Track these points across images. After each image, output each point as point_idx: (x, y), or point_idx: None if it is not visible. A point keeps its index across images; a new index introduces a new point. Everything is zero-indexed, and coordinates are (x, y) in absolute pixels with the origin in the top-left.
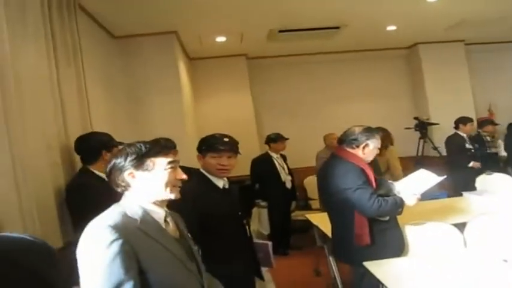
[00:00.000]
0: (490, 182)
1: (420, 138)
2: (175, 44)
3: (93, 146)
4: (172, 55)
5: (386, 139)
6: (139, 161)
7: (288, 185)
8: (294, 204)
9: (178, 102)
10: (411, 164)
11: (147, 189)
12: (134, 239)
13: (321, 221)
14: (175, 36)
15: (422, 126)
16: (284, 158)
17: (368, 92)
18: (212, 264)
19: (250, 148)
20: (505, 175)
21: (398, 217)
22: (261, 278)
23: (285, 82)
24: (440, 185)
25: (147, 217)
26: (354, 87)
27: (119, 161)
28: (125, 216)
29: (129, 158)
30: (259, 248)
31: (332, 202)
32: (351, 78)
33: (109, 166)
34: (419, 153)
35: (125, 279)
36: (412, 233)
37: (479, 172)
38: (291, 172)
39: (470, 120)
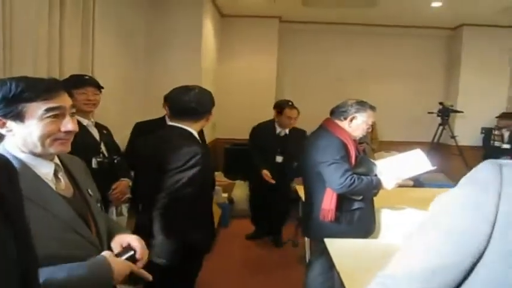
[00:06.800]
0: None
1: (440, 125)
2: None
3: None
4: (199, 10)
5: None
6: (8, 106)
7: None
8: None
9: (197, 59)
10: (425, 150)
11: (22, 142)
12: None
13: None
14: None
15: (445, 113)
16: None
17: (398, 71)
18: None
19: (266, 113)
20: None
21: (381, 199)
22: None
23: (314, 51)
24: None
25: (26, 173)
26: (385, 64)
27: None
28: None
29: None
30: None
31: (308, 174)
32: (383, 54)
33: None
34: (436, 140)
35: None
36: (387, 217)
37: None
38: None
39: None
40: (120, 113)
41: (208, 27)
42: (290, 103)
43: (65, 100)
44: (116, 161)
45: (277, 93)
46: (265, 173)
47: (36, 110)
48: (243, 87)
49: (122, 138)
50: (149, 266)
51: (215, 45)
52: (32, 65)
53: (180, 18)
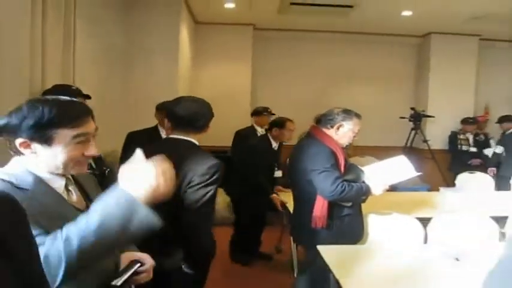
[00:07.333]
0: (470, 180)
1: (412, 129)
2: (182, 5)
3: None
4: (176, 17)
5: None
6: (38, 131)
7: None
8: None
9: (174, 66)
10: (398, 153)
11: (45, 163)
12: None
13: (291, 200)
14: None
15: (417, 118)
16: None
17: (370, 77)
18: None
19: (241, 120)
20: (485, 175)
21: (365, 205)
22: None
23: (288, 58)
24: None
25: (40, 186)
26: (358, 70)
27: (14, 121)
28: (11, 188)
29: (25, 123)
30: None
31: (298, 182)
32: (356, 60)
33: (0, 123)
34: (409, 144)
35: None
36: (374, 222)
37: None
38: None
39: None
40: (98, 119)
41: (184, 35)
42: (268, 110)
43: (91, 126)
44: (106, 172)
45: (252, 99)
46: (277, 198)
47: (65, 136)
48: (217, 94)
49: (101, 146)
50: (171, 276)
51: (189, 53)
52: (15, 71)
53: (157, 26)
